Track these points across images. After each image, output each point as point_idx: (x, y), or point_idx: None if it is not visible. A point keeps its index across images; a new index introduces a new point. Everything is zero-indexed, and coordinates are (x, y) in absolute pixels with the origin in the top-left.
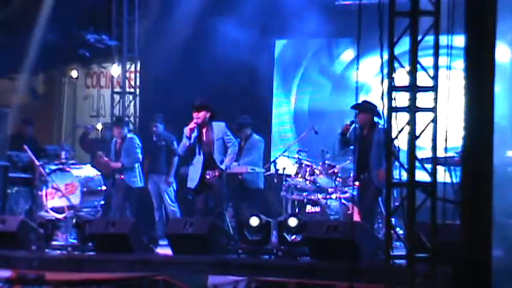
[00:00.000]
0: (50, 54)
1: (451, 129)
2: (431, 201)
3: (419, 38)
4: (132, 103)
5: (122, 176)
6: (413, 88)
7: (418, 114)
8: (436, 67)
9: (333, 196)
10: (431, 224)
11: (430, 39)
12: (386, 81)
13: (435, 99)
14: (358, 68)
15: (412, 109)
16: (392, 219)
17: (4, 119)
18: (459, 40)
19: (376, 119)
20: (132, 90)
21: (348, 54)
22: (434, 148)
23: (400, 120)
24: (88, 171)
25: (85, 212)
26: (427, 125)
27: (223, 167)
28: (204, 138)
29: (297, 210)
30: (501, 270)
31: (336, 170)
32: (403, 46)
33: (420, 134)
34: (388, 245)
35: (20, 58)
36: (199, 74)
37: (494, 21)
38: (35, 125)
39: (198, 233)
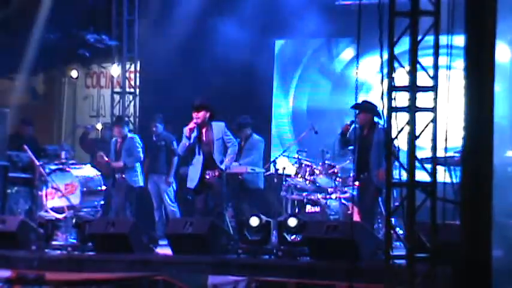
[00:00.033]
0: (50, 54)
1: (451, 129)
2: (431, 201)
3: (419, 38)
4: (132, 103)
5: (123, 176)
6: (413, 88)
7: (418, 114)
8: (436, 67)
9: (333, 196)
10: (431, 224)
11: (430, 39)
12: (386, 81)
13: (435, 99)
14: (358, 68)
15: (412, 109)
16: (392, 219)
17: (4, 119)
18: (459, 40)
19: (376, 119)
20: (132, 90)
21: (348, 52)
22: (434, 148)
23: (400, 120)
24: (88, 171)
25: (85, 212)
26: (427, 125)
27: (223, 167)
28: (204, 138)
29: (296, 210)
30: (501, 270)
31: (335, 170)
32: (403, 46)
33: (420, 134)
34: (388, 245)
35: (20, 58)
36: (199, 74)
37: (494, 21)
38: (34, 125)
39: (198, 233)
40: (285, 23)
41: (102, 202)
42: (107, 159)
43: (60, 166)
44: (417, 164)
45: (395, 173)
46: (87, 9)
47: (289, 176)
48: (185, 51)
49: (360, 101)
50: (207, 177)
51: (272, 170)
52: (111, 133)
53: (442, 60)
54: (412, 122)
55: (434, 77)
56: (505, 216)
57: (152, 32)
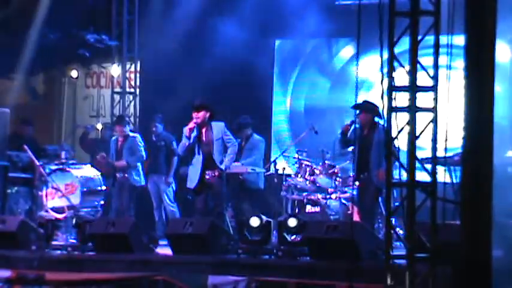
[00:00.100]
0: (50, 54)
1: (451, 129)
2: (431, 201)
3: (419, 38)
4: (132, 103)
5: (126, 175)
6: (413, 88)
7: (418, 114)
8: (436, 67)
9: (333, 196)
10: (431, 224)
11: (430, 38)
12: (386, 81)
13: (435, 99)
14: (357, 68)
15: (412, 109)
16: (393, 219)
17: (4, 119)
18: (459, 39)
19: (376, 119)
20: (132, 90)
21: (348, 50)
22: (434, 148)
23: (400, 120)
24: (88, 171)
25: (85, 212)
26: (427, 125)
27: (222, 167)
28: (204, 138)
29: (297, 210)
30: (501, 270)
31: (336, 170)
32: (403, 45)
33: (420, 134)
34: (388, 245)
35: (19, 58)
36: (199, 74)
37: (494, 21)
38: (34, 125)
39: (198, 233)
40: (285, 23)
41: (102, 202)
42: (108, 160)
43: (60, 166)
44: (417, 164)
45: (396, 173)
46: (87, 9)
47: (289, 176)
48: (185, 51)
49: (360, 100)
50: (207, 177)
51: (272, 170)
52: (111, 133)
53: (443, 59)
54: (412, 122)
55: (435, 77)
56: (505, 216)
57: (152, 32)
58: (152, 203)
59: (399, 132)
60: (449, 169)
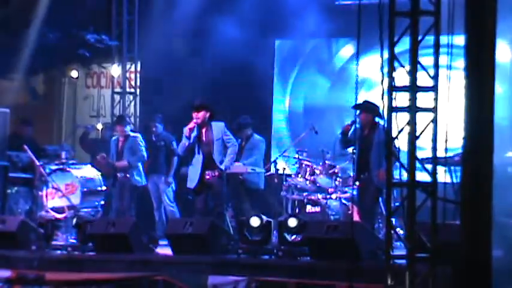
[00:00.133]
0: (50, 54)
1: (451, 130)
2: (431, 201)
3: (419, 38)
4: (132, 103)
5: (128, 175)
6: (413, 88)
7: (418, 114)
8: (436, 67)
9: (333, 196)
10: (431, 224)
11: (430, 38)
12: (386, 81)
13: (435, 99)
14: (357, 68)
15: (413, 109)
16: (393, 219)
17: (3, 119)
18: (460, 39)
19: (377, 119)
20: (132, 90)
21: (348, 50)
22: (434, 148)
23: (400, 120)
24: (88, 171)
25: (85, 212)
26: (427, 125)
27: (222, 167)
28: (204, 138)
29: (297, 210)
30: (501, 270)
31: (336, 170)
32: (403, 45)
33: (420, 134)
34: (389, 245)
35: (19, 58)
36: (199, 74)
37: (494, 21)
38: (35, 125)
39: (198, 233)
40: (285, 23)
41: (103, 202)
42: (110, 160)
43: (61, 166)
44: (418, 164)
45: (396, 173)
46: (87, 9)
47: (289, 176)
48: (185, 51)
49: (360, 100)
50: (207, 177)
51: (272, 170)
52: (112, 133)
53: (443, 59)
54: (412, 122)
55: (435, 77)
56: (505, 216)
57: (152, 32)
58: (152, 203)
59: (399, 132)
60: (449, 169)
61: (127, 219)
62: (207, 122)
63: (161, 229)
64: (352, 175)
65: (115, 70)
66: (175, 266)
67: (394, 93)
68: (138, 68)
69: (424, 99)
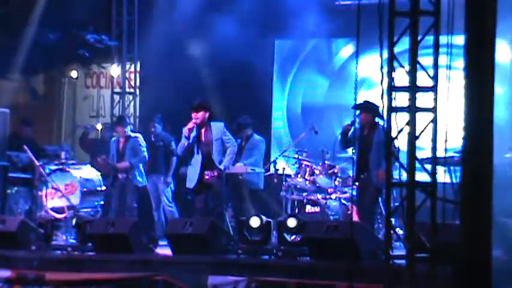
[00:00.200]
0: (50, 54)
1: (451, 130)
2: (431, 201)
3: (419, 38)
4: (132, 103)
5: (129, 176)
6: (413, 88)
7: (418, 114)
8: (436, 67)
9: (333, 196)
10: (431, 224)
11: (430, 38)
12: (385, 81)
13: (435, 99)
14: (357, 68)
15: (412, 109)
16: (392, 220)
17: (3, 119)
18: (459, 39)
19: (377, 119)
20: (131, 90)
21: (348, 49)
22: (434, 148)
23: (400, 120)
24: (88, 171)
25: (85, 212)
26: (427, 125)
27: (221, 167)
28: (203, 139)
29: (296, 211)
30: (501, 270)
31: (335, 170)
32: (402, 45)
33: (420, 134)
34: (388, 245)
35: (19, 58)
36: (199, 74)
37: (494, 21)
38: (34, 125)
39: (197, 233)
40: (285, 23)
41: (102, 202)
42: (110, 162)
43: (60, 166)
44: (417, 164)
45: (395, 173)
46: (87, 9)
47: (289, 176)
48: (185, 51)
49: (360, 99)
50: (206, 177)
51: (272, 171)
52: (111, 133)
53: (442, 59)
54: (412, 122)
55: (434, 77)
56: (505, 216)
57: (152, 32)
58: (152, 203)
59: (399, 132)
60: (449, 169)
61: (127, 219)
62: (206, 122)
63: (160, 229)
64: (351, 175)
65: (115, 70)
66: (175, 266)
67: (393, 93)
68: (138, 68)
69: (423, 99)
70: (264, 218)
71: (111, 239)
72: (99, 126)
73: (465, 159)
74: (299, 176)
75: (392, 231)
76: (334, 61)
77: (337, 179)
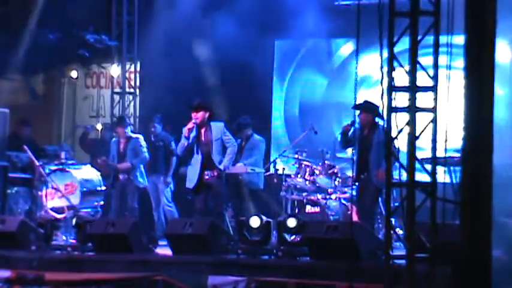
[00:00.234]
0: (49, 54)
1: (451, 130)
2: (431, 201)
3: (419, 38)
4: (132, 103)
5: (131, 177)
6: (413, 88)
7: (418, 114)
8: (436, 67)
9: (333, 196)
10: (431, 224)
11: (429, 38)
12: (385, 81)
13: (435, 99)
14: (357, 68)
15: (412, 109)
16: (392, 220)
17: (3, 120)
18: (459, 39)
19: (377, 119)
20: (131, 90)
21: (347, 47)
22: (434, 148)
23: (400, 120)
24: (88, 171)
25: (85, 212)
26: (427, 125)
27: (221, 167)
28: (203, 139)
29: (296, 211)
30: (501, 270)
31: (335, 170)
32: (402, 44)
33: (420, 135)
34: (388, 245)
35: (18, 58)
36: (198, 74)
37: (494, 20)
38: (34, 125)
39: (197, 233)
40: (285, 23)
41: (102, 202)
42: (110, 163)
43: (60, 166)
44: (417, 164)
45: (395, 174)
46: (87, 9)
47: (289, 176)
48: (185, 51)
49: (359, 99)
50: (206, 177)
51: (272, 171)
52: (111, 133)
53: (442, 59)
54: (412, 123)
55: (434, 77)
56: (505, 216)
57: (152, 32)
58: (152, 203)
59: (399, 132)
60: (449, 169)
61: (127, 219)
62: (206, 122)
63: (160, 229)
64: (350, 175)
65: (114, 70)
66: (175, 266)
67: (393, 93)
68: (138, 68)
69: (423, 99)
70: (264, 218)
71: (111, 239)
72: (99, 126)
73: (465, 159)
74: (299, 176)
75: (392, 231)
76: (333, 59)
77: (337, 179)
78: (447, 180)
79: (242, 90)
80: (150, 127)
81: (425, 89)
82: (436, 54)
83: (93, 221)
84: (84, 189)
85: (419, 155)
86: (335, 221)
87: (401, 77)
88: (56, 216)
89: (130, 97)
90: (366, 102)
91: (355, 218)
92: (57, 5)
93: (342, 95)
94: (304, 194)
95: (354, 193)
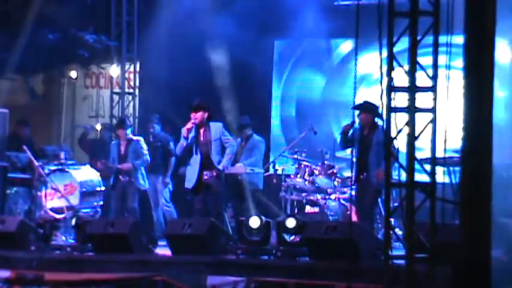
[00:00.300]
0: (49, 55)
1: (450, 130)
2: (430, 201)
3: (418, 38)
4: (131, 103)
5: (132, 179)
6: (412, 88)
7: (417, 115)
8: (435, 67)
9: (332, 197)
10: (430, 224)
11: (429, 38)
12: (385, 81)
13: (434, 100)
14: (356, 69)
15: (411, 109)
16: (392, 220)
17: (2, 120)
18: (459, 39)
19: (376, 119)
20: (131, 90)
21: (347, 45)
22: (433, 149)
23: (399, 120)
24: (87, 171)
25: (84, 212)
26: (426, 126)
27: (220, 167)
28: (202, 139)
29: (296, 211)
30: (501, 270)
31: (335, 171)
32: (401, 44)
33: (419, 135)
34: (388, 245)
35: (17, 57)
36: (198, 74)
37: (493, 20)
38: (33, 125)
39: (197, 234)
40: (284, 24)
41: (102, 203)
42: (110, 165)
43: (60, 167)
44: (416, 164)
45: (395, 174)
46: (86, 9)
47: (288, 176)
48: (184, 52)
49: (359, 98)
50: (205, 177)
51: (271, 171)
52: (110, 134)
53: (442, 59)
54: (411, 123)
55: (434, 77)
56: (504, 216)
57: (151, 33)
58: (151, 204)
59: (398, 132)
60: (448, 170)
61: (126, 219)
62: (205, 123)
63: (159, 229)
64: (348, 176)
65: (114, 70)
66: (174, 266)
67: (393, 93)
68: (137, 69)
69: (423, 100)
70: (263, 218)
71: (110, 239)
72: (98, 127)
73: (464, 159)
74: (298, 176)
75: (391, 232)
76: (333, 57)
77: (337, 179)
78: (446, 180)
79: (242, 90)
80: (149, 127)
81: (424, 89)
82: (435, 54)
83: (92, 221)
84: (84, 189)
85: (419, 155)
86: (334, 221)
87: (400, 77)
88: (56, 217)
89: (130, 97)
90: (365, 102)
91: (354, 218)
92: (56, 5)
93: (341, 93)
94: (304, 194)
95: (353, 193)
